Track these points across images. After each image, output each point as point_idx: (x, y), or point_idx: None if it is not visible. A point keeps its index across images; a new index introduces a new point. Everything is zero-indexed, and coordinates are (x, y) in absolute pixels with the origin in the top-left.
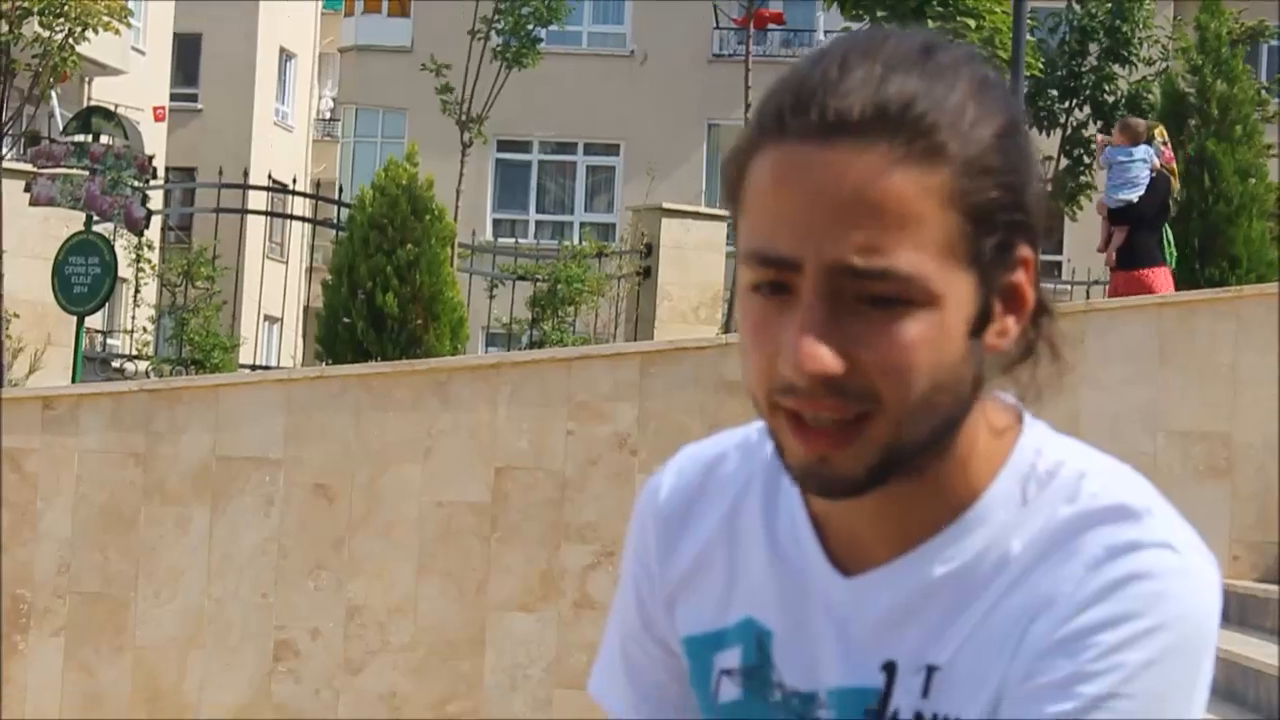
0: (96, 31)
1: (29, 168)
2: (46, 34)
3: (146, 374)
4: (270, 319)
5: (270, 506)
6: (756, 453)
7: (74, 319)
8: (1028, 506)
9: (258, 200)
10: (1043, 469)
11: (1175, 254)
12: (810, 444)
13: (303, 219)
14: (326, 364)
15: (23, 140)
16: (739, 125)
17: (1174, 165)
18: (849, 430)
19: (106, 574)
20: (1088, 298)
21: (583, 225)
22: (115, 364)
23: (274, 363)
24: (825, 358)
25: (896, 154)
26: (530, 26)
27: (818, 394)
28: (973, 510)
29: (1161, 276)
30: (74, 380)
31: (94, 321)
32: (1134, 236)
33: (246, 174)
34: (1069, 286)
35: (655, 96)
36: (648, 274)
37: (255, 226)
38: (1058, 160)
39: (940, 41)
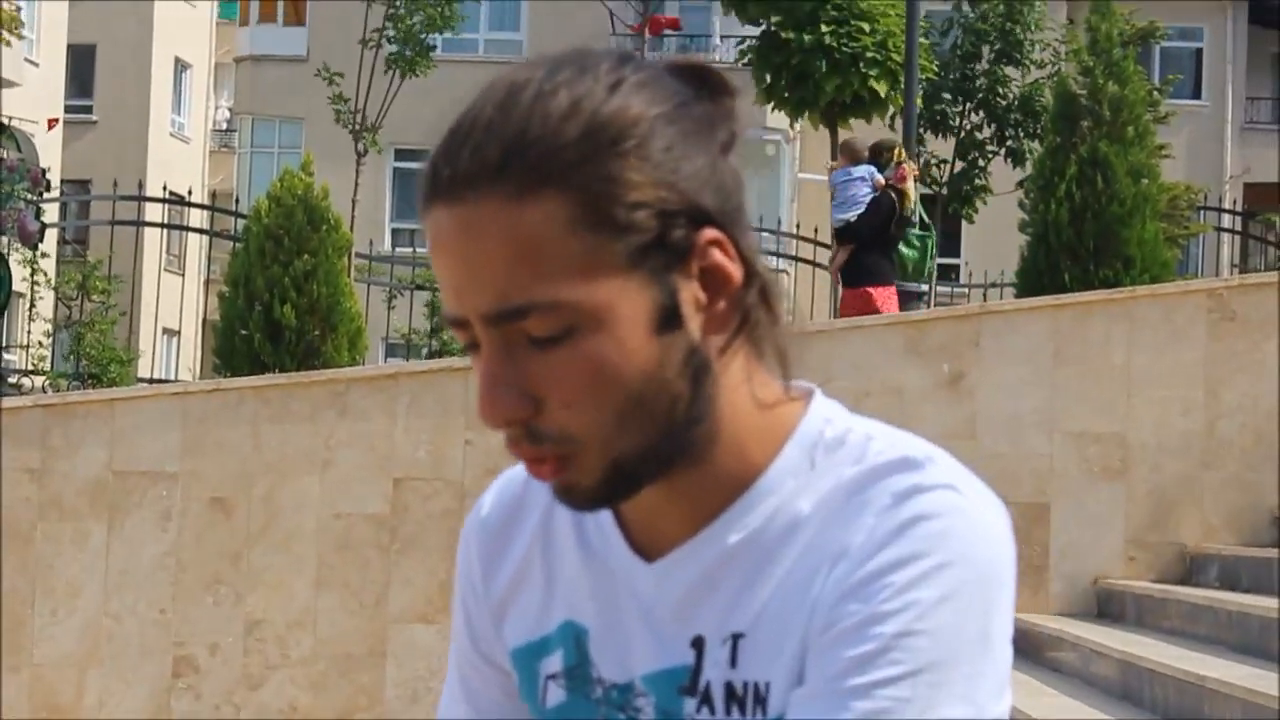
0: None
1: None
2: None
3: (43, 389)
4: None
5: (168, 521)
6: None
7: None
8: (815, 470)
9: (154, 212)
10: (830, 436)
11: (934, 266)
12: (541, 476)
13: (200, 230)
14: (224, 376)
15: None
16: None
17: (907, 185)
18: (563, 463)
19: (2, 591)
20: (985, 299)
21: None
22: (11, 379)
23: (174, 376)
24: (502, 406)
25: (508, 195)
26: (422, 35)
27: (516, 439)
28: (761, 480)
29: (886, 294)
30: None
31: None
32: (858, 254)
33: (142, 186)
34: (966, 289)
35: None
36: None
37: (152, 239)
38: (952, 164)
39: (541, 71)
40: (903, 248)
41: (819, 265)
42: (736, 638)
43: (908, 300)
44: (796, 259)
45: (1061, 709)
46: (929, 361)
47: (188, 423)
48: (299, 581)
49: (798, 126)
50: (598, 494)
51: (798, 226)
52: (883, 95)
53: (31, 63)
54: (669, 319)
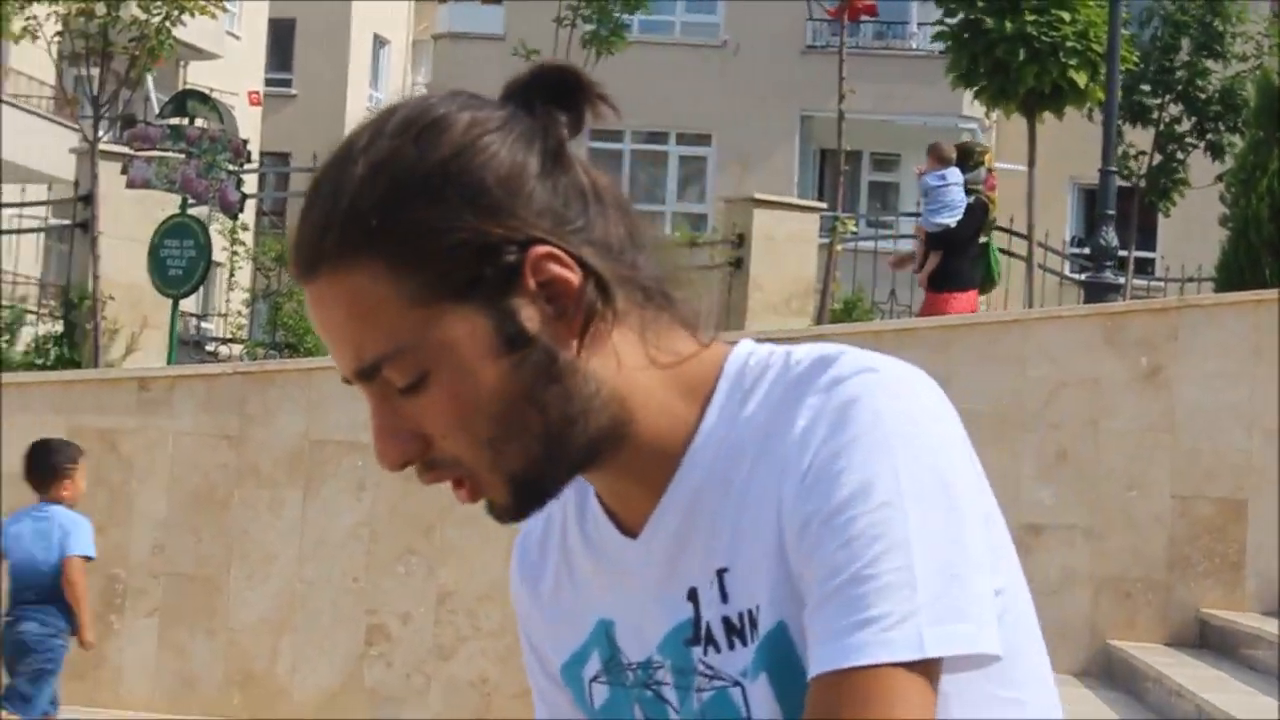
0: (193, 15)
1: (125, 150)
2: (144, 17)
3: (241, 358)
4: None
5: (362, 491)
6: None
7: (169, 301)
8: (747, 397)
9: None
10: (754, 362)
11: (999, 272)
12: (457, 497)
13: None
14: None
15: (119, 123)
16: (832, 117)
17: (994, 194)
18: (467, 486)
19: (200, 556)
20: (1181, 293)
21: (674, 215)
22: (209, 347)
23: None
24: (394, 450)
25: (333, 271)
26: (617, 14)
27: (420, 472)
28: (700, 427)
29: (966, 300)
30: (169, 362)
31: (189, 304)
32: (947, 260)
33: None
34: (1163, 283)
35: (747, 87)
36: (739, 265)
37: None
38: (1151, 156)
39: (339, 154)
40: (990, 256)
41: (1014, 255)
42: (721, 573)
43: (1104, 292)
44: None
45: (1259, 708)
46: (1126, 353)
47: None
48: (490, 554)
49: (993, 116)
50: (515, 508)
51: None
52: (1082, 86)
53: (233, 36)
54: (513, 340)
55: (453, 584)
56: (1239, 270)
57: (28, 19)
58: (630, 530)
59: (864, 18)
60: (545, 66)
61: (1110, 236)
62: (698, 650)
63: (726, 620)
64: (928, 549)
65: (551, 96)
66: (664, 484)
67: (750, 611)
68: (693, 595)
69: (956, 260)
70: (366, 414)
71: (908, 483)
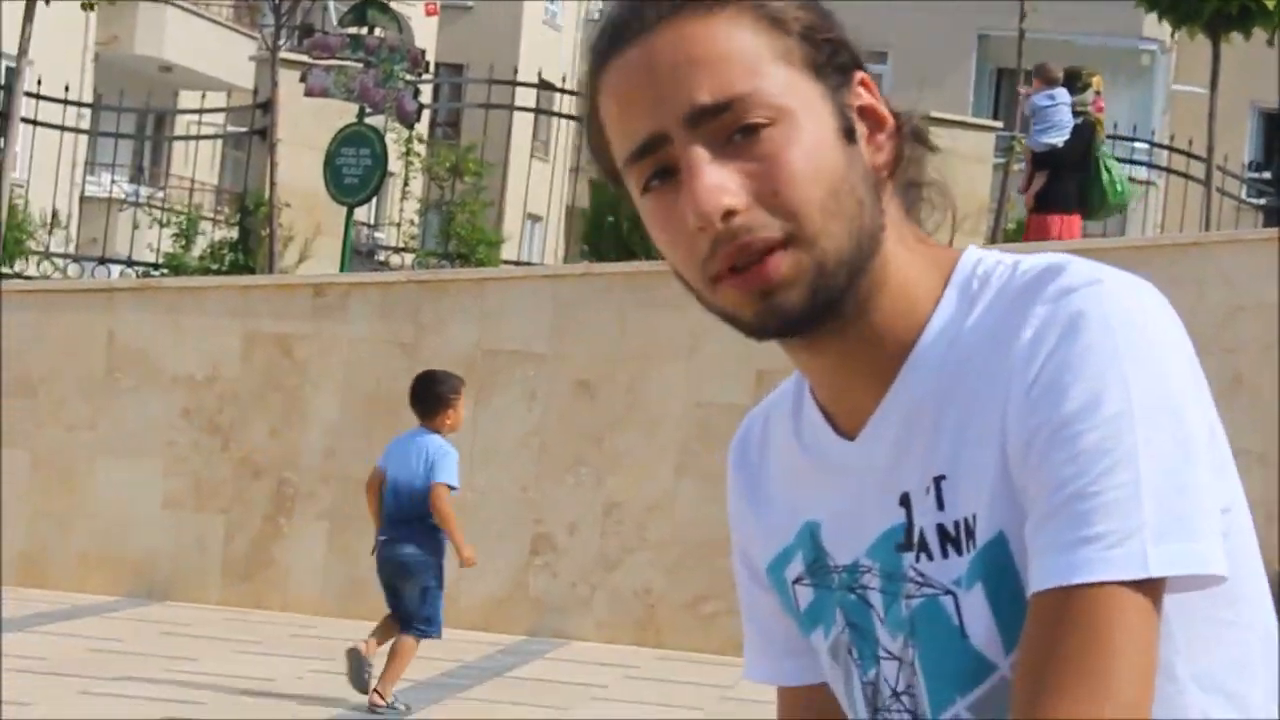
0: None
1: (304, 59)
2: None
3: (412, 266)
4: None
5: (533, 400)
6: (790, 383)
7: (343, 209)
8: (975, 304)
9: (525, 98)
10: (981, 271)
11: (1120, 192)
12: (750, 283)
13: (569, 116)
14: (591, 262)
15: (298, 32)
16: (1010, 35)
17: (1102, 116)
18: (777, 255)
19: (372, 461)
20: None
21: None
22: (380, 257)
23: (536, 260)
24: (719, 190)
25: (698, 14)
26: None
27: (734, 234)
28: (928, 327)
29: (1071, 223)
30: (342, 269)
31: (362, 213)
32: (1053, 181)
33: (515, 71)
34: None
35: (925, 3)
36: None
37: (522, 124)
38: None
39: None
40: (1104, 177)
41: (1192, 178)
42: (938, 480)
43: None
44: (1169, 170)
45: None
46: None
47: (557, 305)
48: (659, 466)
49: (1175, 37)
50: (803, 305)
51: (1171, 139)
52: (1270, 7)
53: None
54: (848, 132)
55: (620, 494)
56: None
57: None
58: (847, 432)
59: None
60: None
61: None
62: (909, 556)
63: (941, 528)
64: (1155, 465)
65: None
66: (887, 380)
67: (967, 520)
68: (905, 500)
69: (1062, 182)
70: (538, 325)
71: (1137, 396)
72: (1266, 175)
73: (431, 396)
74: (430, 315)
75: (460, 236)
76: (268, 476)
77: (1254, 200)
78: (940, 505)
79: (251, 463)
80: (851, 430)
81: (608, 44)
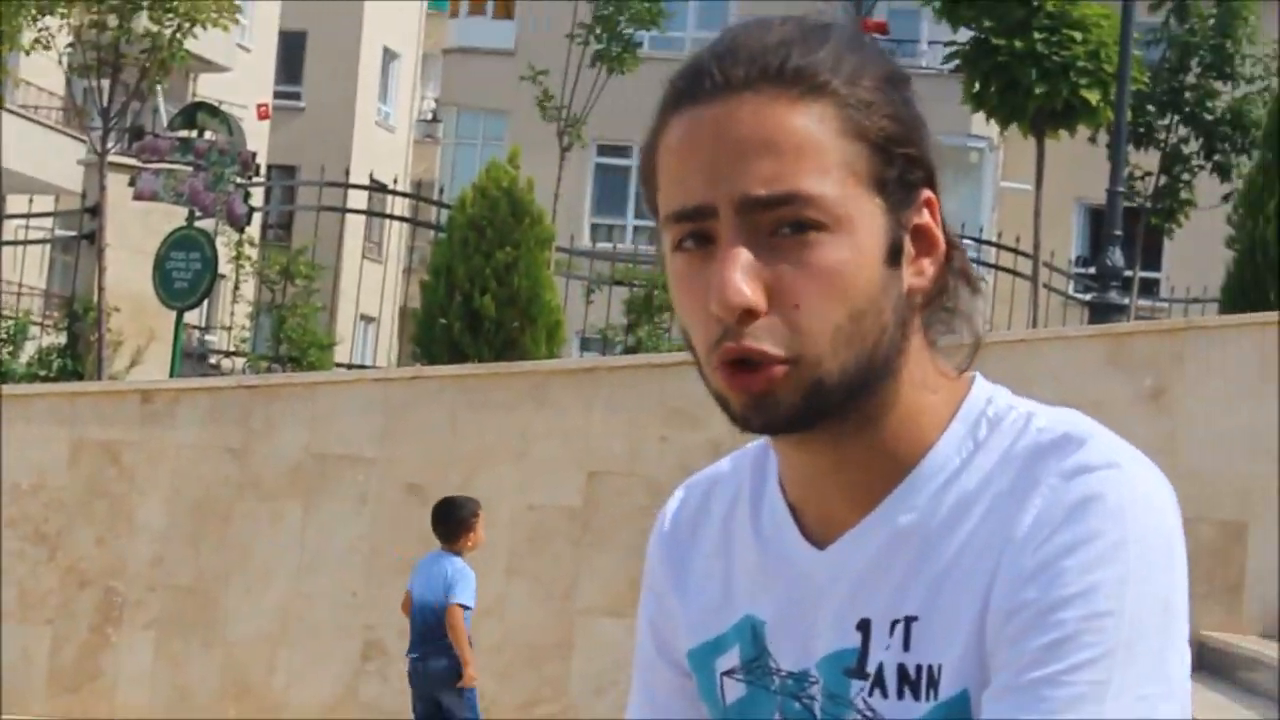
0: (204, 28)
1: (134, 162)
2: (156, 29)
3: (243, 371)
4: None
5: (363, 505)
6: (747, 460)
7: (173, 314)
8: (980, 449)
9: (358, 199)
10: (992, 413)
11: None
12: (749, 384)
13: (402, 219)
14: (423, 365)
15: (128, 135)
16: None
17: None
18: (779, 370)
19: (199, 568)
20: (1186, 314)
21: None
22: (212, 360)
23: (369, 362)
24: (744, 289)
25: (783, 95)
26: (628, 31)
27: (744, 335)
28: (928, 458)
29: None
30: (172, 375)
31: (193, 317)
32: None
33: (348, 173)
34: (1168, 304)
35: None
36: None
37: (354, 226)
38: (1157, 178)
39: (817, 19)
40: None
41: (1019, 275)
42: (910, 620)
43: (1109, 312)
44: (997, 268)
45: None
46: (1130, 375)
47: (387, 408)
48: (490, 570)
49: (1003, 134)
50: (795, 412)
51: (999, 235)
52: (1093, 105)
53: (243, 48)
54: (894, 253)
55: None
56: (1245, 292)
57: (40, 30)
58: (814, 537)
59: (875, 35)
60: None
61: (1116, 257)
62: (858, 685)
63: (903, 669)
64: (1129, 673)
65: None
66: (874, 499)
67: (932, 668)
68: (864, 626)
69: None
70: (368, 428)
71: (1131, 599)
72: (1092, 270)
73: (453, 521)
74: (260, 420)
75: (292, 340)
76: (95, 585)
77: (1080, 296)
78: (906, 646)
79: (78, 571)
80: (820, 538)
81: (685, 89)
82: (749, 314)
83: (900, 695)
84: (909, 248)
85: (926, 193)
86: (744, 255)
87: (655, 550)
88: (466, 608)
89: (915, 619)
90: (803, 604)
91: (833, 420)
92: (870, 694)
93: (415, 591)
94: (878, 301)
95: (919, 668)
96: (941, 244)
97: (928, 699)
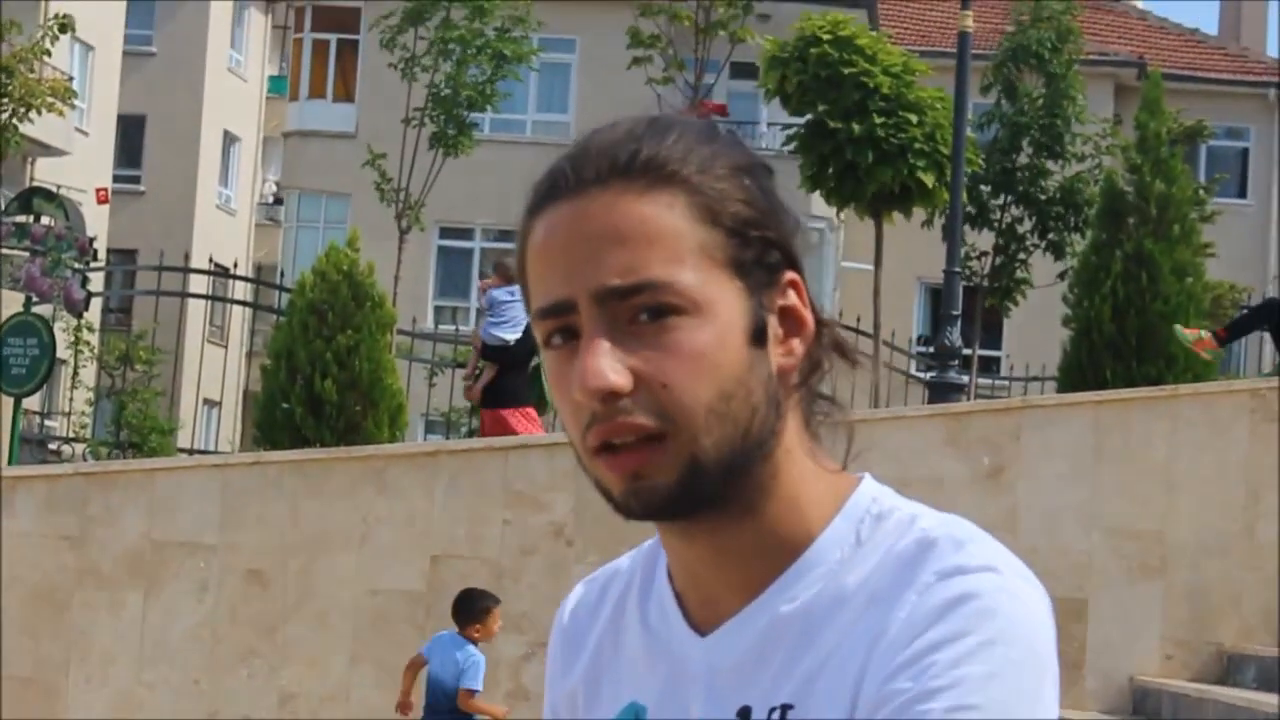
0: (40, 112)
1: None
2: None
3: (84, 457)
4: (210, 403)
5: (204, 592)
6: (642, 553)
7: (12, 400)
8: (862, 546)
9: (199, 284)
10: (877, 511)
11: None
12: (622, 466)
13: (243, 303)
14: (264, 449)
15: None
16: None
17: None
18: (652, 446)
19: (38, 658)
20: (1025, 393)
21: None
22: (52, 446)
23: (214, 447)
24: (607, 373)
25: (633, 187)
26: (464, 114)
27: (613, 414)
28: (810, 550)
29: (526, 417)
30: (10, 462)
31: (32, 403)
32: (504, 376)
33: (188, 257)
34: (1007, 382)
35: None
36: None
37: (196, 310)
38: (993, 257)
39: (669, 116)
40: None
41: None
42: (785, 709)
43: (949, 391)
44: None
45: None
46: (969, 453)
47: (227, 495)
48: (334, 656)
49: (842, 215)
50: (670, 494)
51: (840, 315)
52: (929, 187)
53: (81, 132)
54: (758, 335)
55: (295, 685)
56: (1081, 370)
57: None
58: (698, 623)
59: (714, 117)
60: None
61: (954, 336)
62: None
63: None
64: None
65: None
66: (756, 588)
67: None
68: (744, 714)
69: (515, 376)
70: (209, 514)
71: (998, 693)
72: (932, 349)
73: (466, 610)
74: (99, 507)
75: (132, 425)
76: None
77: (921, 375)
78: None
79: None
80: (703, 625)
81: (545, 193)
82: (614, 395)
83: None
84: (776, 329)
85: (789, 274)
86: (603, 344)
87: (553, 644)
88: (474, 691)
89: (791, 707)
90: (682, 690)
91: (712, 508)
92: None
93: (431, 665)
94: (746, 381)
95: None
96: (810, 323)
97: None
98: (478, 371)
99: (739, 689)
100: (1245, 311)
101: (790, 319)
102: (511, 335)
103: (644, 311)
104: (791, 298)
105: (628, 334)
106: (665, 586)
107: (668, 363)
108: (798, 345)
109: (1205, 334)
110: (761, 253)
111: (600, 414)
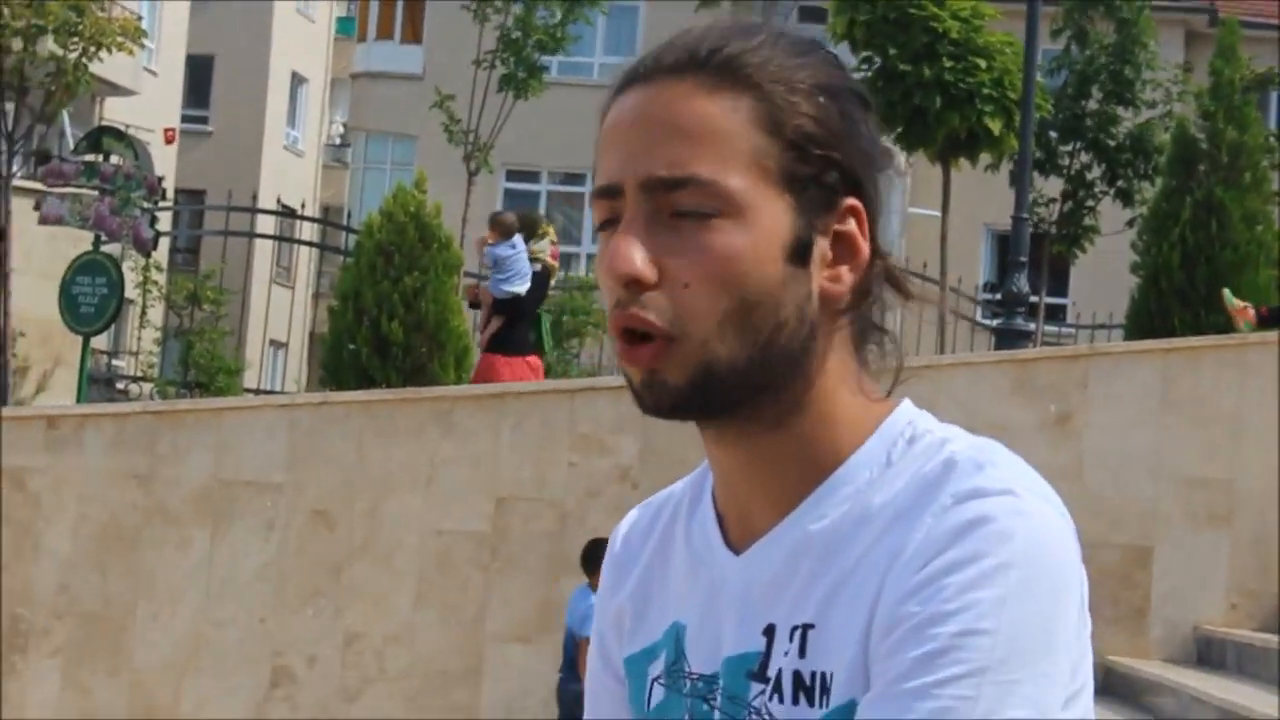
0: (110, 51)
1: (39, 186)
2: (60, 53)
3: (152, 396)
4: (276, 344)
5: (270, 531)
6: (694, 478)
7: (80, 339)
8: (892, 467)
9: (266, 224)
10: (910, 435)
11: (552, 342)
12: (637, 360)
13: (310, 244)
14: (331, 390)
15: (33, 159)
16: None
17: (556, 264)
18: (666, 345)
19: (106, 595)
20: (1092, 340)
21: (590, 257)
22: (120, 385)
23: (279, 388)
24: (634, 258)
25: (703, 83)
26: (534, 57)
27: (631, 302)
28: (841, 469)
29: (528, 365)
30: (79, 400)
31: (100, 342)
32: (511, 326)
33: (255, 198)
34: (1074, 329)
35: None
36: None
37: (263, 250)
38: (1061, 204)
39: (772, 24)
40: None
41: (927, 300)
42: (806, 628)
43: (1015, 339)
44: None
45: None
46: (1035, 401)
47: (294, 434)
48: (398, 596)
49: (910, 160)
50: (680, 394)
51: (907, 261)
52: (997, 133)
53: (150, 72)
54: (800, 253)
55: (360, 626)
56: (1149, 318)
57: None
58: (735, 543)
59: None
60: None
61: (1022, 283)
62: (758, 687)
63: (798, 675)
64: (1000, 687)
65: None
66: (787, 505)
67: (824, 675)
68: (769, 631)
69: (520, 326)
70: (276, 454)
71: (1010, 617)
72: (998, 296)
73: (594, 560)
74: (167, 446)
75: (199, 365)
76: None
77: (987, 322)
78: (802, 653)
79: None
80: (739, 543)
81: (626, 74)
82: (637, 284)
83: (795, 701)
84: (825, 252)
85: (851, 200)
86: (639, 230)
87: (605, 567)
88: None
89: (812, 627)
90: (717, 608)
91: (735, 415)
92: (770, 698)
93: (566, 616)
94: (775, 295)
95: (814, 675)
96: (864, 253)
97: (821, 706)
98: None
99: (767, 607)
100: None
101: (844, 245)
102: (521, 287)
103: (686, 208)
104: (850, 224)
105: (666, 227)
106: (709, 507)
107: (695, 262)
108: (846, 273)
109: (1251, 308)
110: (821, 171)
111: (623, 299)
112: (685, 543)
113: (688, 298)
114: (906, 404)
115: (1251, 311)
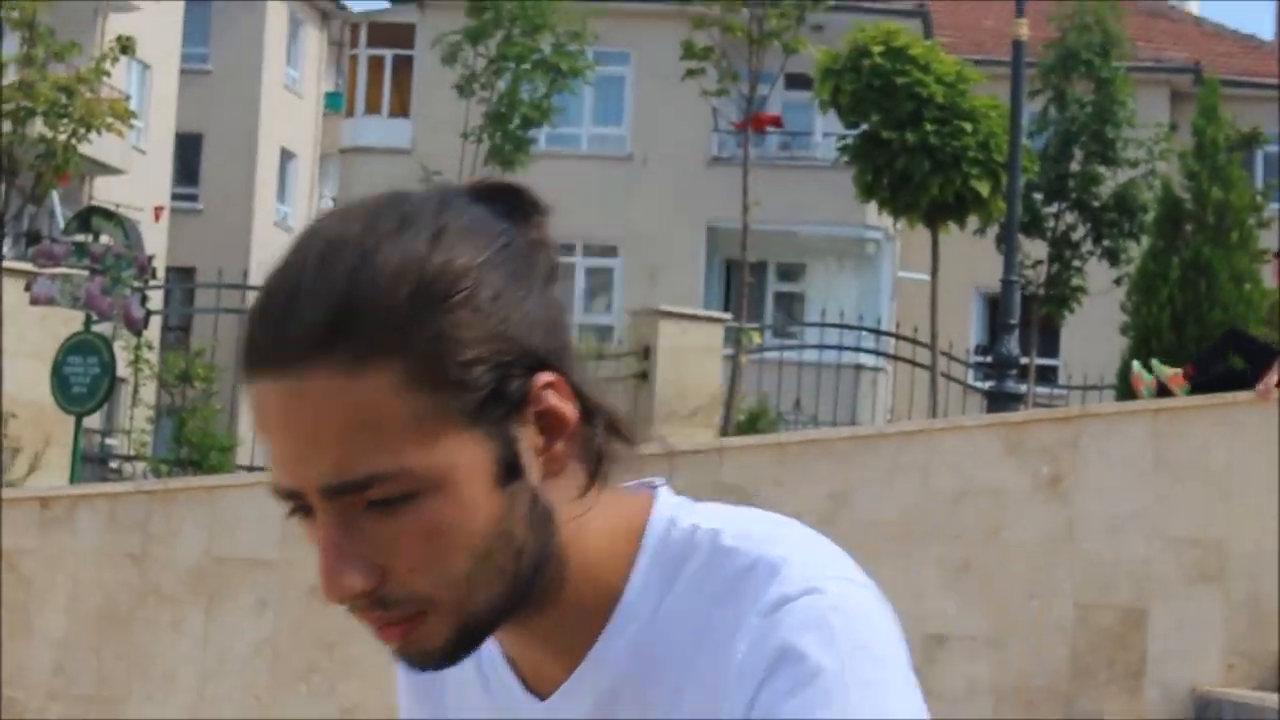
0: (99, 132)
1: (29, 267)
2: (50, 134)
3: (145, 474)
4: None
5: (265, 608)
6: None
7: (72, 419)
8: (671, 588)
9: None
10: (677, 539)
11: None
12: (390, 639)
13: None
14: None
15: (23, 239)
16: (737, 228)
17: None
18: (413, 623)
19: (101, 676)
20: (1083, 402)
21: (581, 327)
22: (113, 464)
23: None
24: (348, 581)
25: (340, 366)
26: (521, 131)
27: (363, 609)
28: (621, 606)
29: None
30: (72, 481)
31: (93, 422)
32: None
33: (246, 274)
34: (1065, 390)
35: (655, 199)
36: (645, 377)
37: None
38: (1048, 264)
39: (388, 217)
40: None
41: (919, 365)
42: None
43: (1007, 401)
44: (896, 358)
45: None
46: (1027, 463)
47: None
48: (392, 672)
49: (898, 225)
50: (443, 654)
51: (897, 325)
52: (984, 196)
53: (139, 150)
54: (510, 470)
55: (356, 700)
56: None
57: None
58: (535, 688)
59: (769, 129)
60: (504, 185)
61: (1012, 346)
62: None
63: None
64: None
65: (525, 215)
66: (576, 658)
67: None
68: None
69: None
70: (269, 531)
71: (854, 711)
72: (989, 359)
73: None
74: (160, 525)
75: (192, 442)
76: None
77: (979, 384)
78: None
79: None
80: (542, 689)
81: (250, 355)
82: (364, 595)
83: None
84: (534, 440)
85: (542, 378)
86: (339, 536)
87: (402, 693)
88: None
89: None
90: None
91: (512, 617)
92: None
93: None
94: (504, 528)
95: None
96: (572, 419)
97: None
98: None
99: None
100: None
101: (550, 422)
102: None
103: (376, 499)
104: (548, 400)
105: (365, 519)
106: (495, 648)
107: (412, 548)
108: (560, 447)
109: (1180, 373)
110: (498, 385)
111: (353, 607)
112: (479, 681)
113: (421, 580)
114: (660, 496)
115: (1180, 374)
